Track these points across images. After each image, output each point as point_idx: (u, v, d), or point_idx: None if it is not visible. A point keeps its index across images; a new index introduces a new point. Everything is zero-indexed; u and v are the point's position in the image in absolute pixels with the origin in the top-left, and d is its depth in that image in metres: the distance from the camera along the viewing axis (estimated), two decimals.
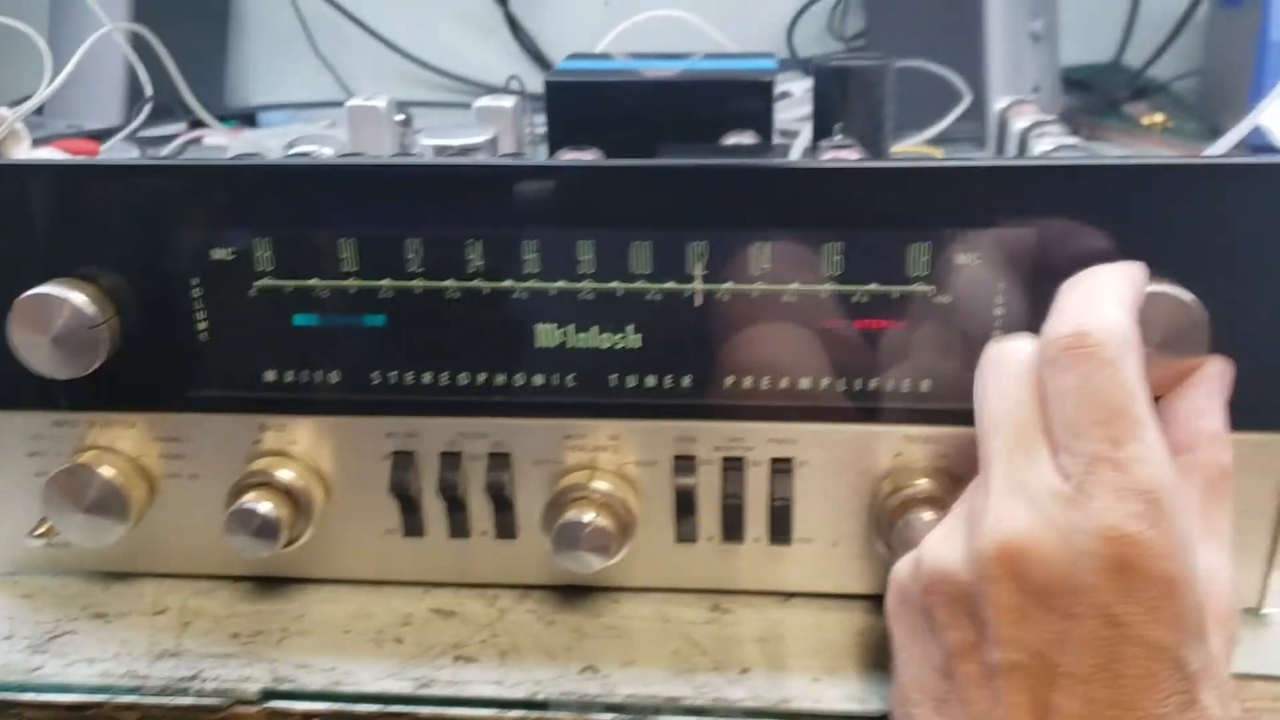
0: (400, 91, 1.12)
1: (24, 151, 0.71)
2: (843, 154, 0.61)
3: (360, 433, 0.58)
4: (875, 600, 0.59)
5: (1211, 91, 1.37)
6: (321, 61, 1.52)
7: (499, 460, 0.58)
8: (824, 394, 0.55)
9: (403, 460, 0.58)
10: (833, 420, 0.56)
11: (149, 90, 1.06)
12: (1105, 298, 0.47)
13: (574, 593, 0.61)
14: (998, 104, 0.85)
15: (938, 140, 0.93)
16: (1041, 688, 0.43)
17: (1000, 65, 1.25)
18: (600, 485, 0.56)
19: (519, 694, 0.54)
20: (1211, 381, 0.50)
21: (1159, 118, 1.27)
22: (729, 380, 0.56)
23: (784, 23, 1.48)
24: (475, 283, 0.55)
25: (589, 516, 0.55)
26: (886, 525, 0.55)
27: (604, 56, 0.89)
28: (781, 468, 0.57)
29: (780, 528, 0.58)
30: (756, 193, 0.53)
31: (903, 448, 0.56)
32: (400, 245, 0.55)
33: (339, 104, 1.48)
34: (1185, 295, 0.50)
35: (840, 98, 0.76)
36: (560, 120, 0.73)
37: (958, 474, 0.55)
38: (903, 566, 0.50)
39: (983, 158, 0.53)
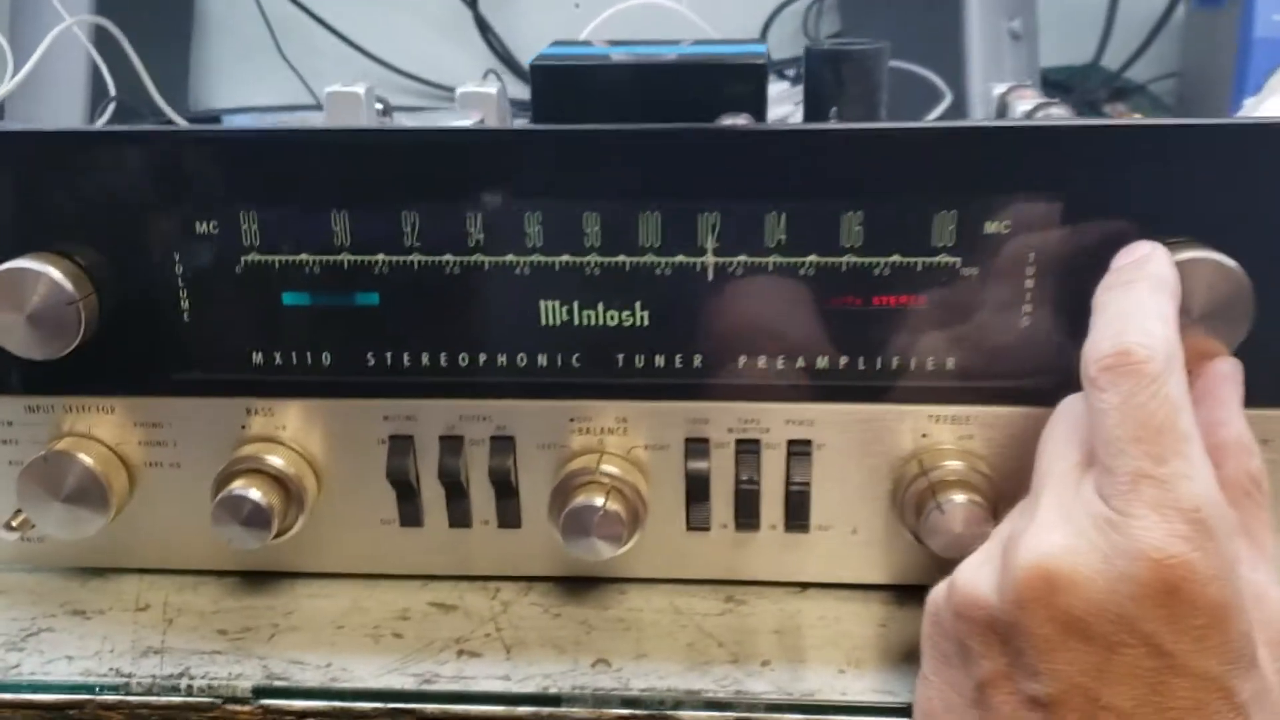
0: None
1: None
2: None
3: (354, 416, 0.55)
4: (896, 591, 0.57)
5: (1189, 92, 1.37)
6: (288, 66, 1.48)
7: (502, 444, 0.55)
8: (844, 372, 0.53)
9: (400, 445, 0.55)
10: (853, 400, 0.53)
11: (112, 90, 1.03)
12: (1144, 312, 0.44)
13: (579, 585, 0.58)
14: (996, 90, 0.83)
15: None
16: None
17: (980, 64, 1.24)
18: (609, 469, 0.53)
19: (529, 689, 0.51)
20: (1224, 387, 0.47)
21: (1138, 119, 1.26)
22: (743, 358, 0.53)
23: (757, 25, 1.45)
24: (475, 257, 0.52)
25: (600, 501, 0.52)
26: (913, 511, 0.53)
27: (587, 44, 0.86)
28: (799, 450, 0.54)
29: (797, 514, 0.55)
30: (772, 159, 0.50)
31: (929, 428, 0.53)
32: (396, 218, 0.52)
33: (305, 108, 1.45)
34: (1228, 261, 0.48)
35: (834, 83, 0.74)
36: (546, 106, 0.70)
37: (986, 455, 0.53)
38: (938, 590, 0.47)
39: (1012, 120, 0.51)
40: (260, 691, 0.51)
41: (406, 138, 0.52)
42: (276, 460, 0.54)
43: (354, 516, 0.57)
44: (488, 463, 0.55)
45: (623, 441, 0.54)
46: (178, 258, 0.53)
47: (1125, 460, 0.41)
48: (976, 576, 0.44)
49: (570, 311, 0.53)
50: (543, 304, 0.53)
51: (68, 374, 0.54)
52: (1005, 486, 0.52)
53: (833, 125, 0.51)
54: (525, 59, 1.47)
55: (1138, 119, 0.48)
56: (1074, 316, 0.47)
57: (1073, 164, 0.49)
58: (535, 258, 0.52)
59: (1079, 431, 0.46)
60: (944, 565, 0.48)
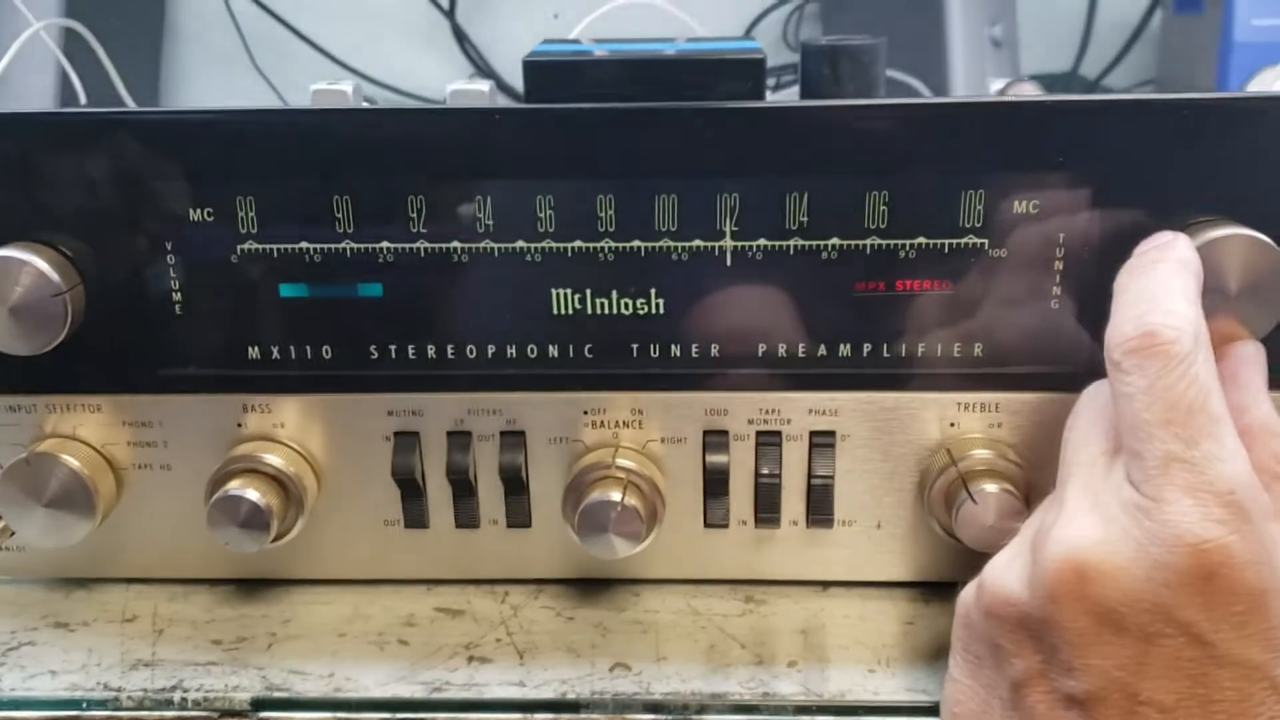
0: None
1: None
2: None
3: (357, 412, 0.52)
4: (921, 588, 0.55)
5: None
6: (260, 76, 1.46)
7: (512, 439, 0.52)
8: (868, 359, 0.51)
9: (405, 441, 0.52)
10: (878, 388, 0.51)
11: (82, 98, 1.00)
12: (1169, 292, 0.42)
13: (591, 587, 0.56)
14: (993, 87, 0.81)
15: None
16: (1123, 719, 0.38)
17: (962, 70, 1.23)
18: (625, 463, 0.51)
19: (546, 694, 0.48)
20: (1247, 370, 0.46)
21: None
22: (763, 346, 0.51)
23: (738, 32, 1.45)
24: (484, 244, 0.50)
25: (617, 496, 0.49)
26: (942, 503, 0.51)
27: (577, 42, 0.84)
28: (822, 442, 0.52)
29: (820, 509, 0.53)
30: (793, 136, 0.48)
31: (956, 416, 0.51)
32: (400, 203, 0.49)
33: None
34: (1263, 237, 0.46)
35: (831, 79, 0.72)
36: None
37: (1015, 443, 0.51)
38: (967, 591, 0.45)
39: (1043, 95, 0.49)
40: (259, 704, 0.49)
41: (412, 117, 0.50)
42: (274, 459, 0.51)
43: (356, 518, 0.54)
44: (497, 459, 0.52)
45: (638, 435, 0.52)
46: (169, 246, 0.50)
47: (1155, 444, 0.39)
48: (1005, 573, 0.42)
49: (583, 300, 0.51)
50: (554, 292, 0.51)
51: (51, 370, 0.51)
52: (1035, 476, 0.50)
53: (859, 101, 0.49)
54: (503, 69, 1.45)
55: (1173, 94, 0.47)
56: (1104, 299, 0.45)
57: (1104, 141, 0.47)
58: (546, 244, 0.50)
59: (1104, 419, 0.44)
60: (972, 560, 0.46)
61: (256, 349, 0.52)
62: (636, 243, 0.50)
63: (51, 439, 0.52)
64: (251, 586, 0.56)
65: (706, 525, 0.54)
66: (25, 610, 0.55)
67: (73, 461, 0.51)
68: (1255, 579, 0.37)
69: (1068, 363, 0.50)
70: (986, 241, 0.49)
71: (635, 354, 0.51)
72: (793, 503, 0.53)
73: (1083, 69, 1.41)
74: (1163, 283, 0.43)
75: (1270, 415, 0.44)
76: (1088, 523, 0.40)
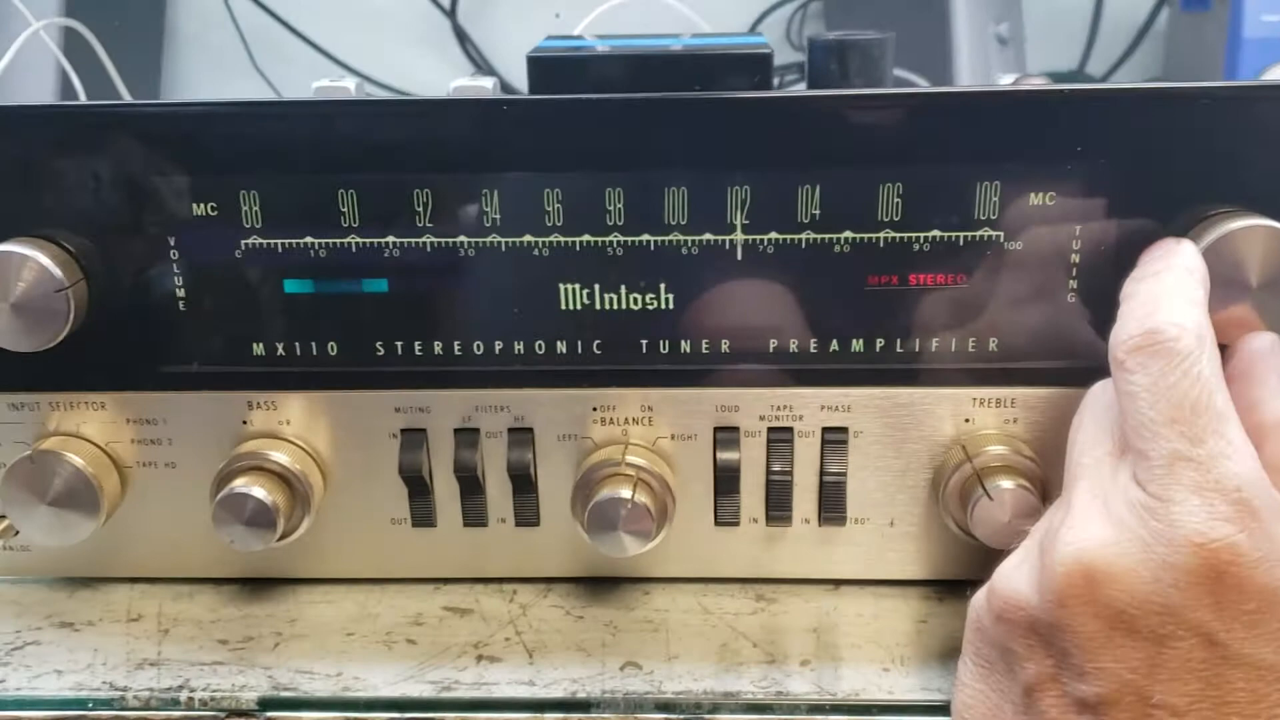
0: None
1: None
2: None
3: (363, 409, 0.52)
4: (934, 586, 0.54)
5: None
6: (261, 77, 1.45)
7: (520, 436, 0.52)
8: (881, 354, 0.50)
9: (412, 439, 0.52)
10: (891, 383, 0.51)
11: (83, 98, 1.00)
12: (1172, 296, 0.42)
13: (600, 585, 0.55)
14: (1002, 82, 0.81)
15: None
16: None
17: (968, 69, 1.23)
18: (635, 460, 0.50)
19: (557, 694, 0.48)
20: (1261, 365, 0.45)
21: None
22: (774, 342, 0.50)
23: (742, 31, 1.44)
24: (490, 238, 0.49)
25: (627, 493, 0.49)
26: (957, 500, 0.50)
27: (580, 38, 0.84)
28: (834, 438, 0.51)
29: (832, 506, 0.52)
30: (807, 127, 0.48)
31: (971, 412, 0.51)
32: (406, 197, 0.49)
33: None
34: None
35: (840, 74, 0.72)
36: None
37: (1030, 439, 0.50)
38: (979, 595, 0.44)
39: (1060, 85, 0.49)
40: (267, 703, 0.48)
41: (418, 108, 0.49)
42: (280, 457, 0.51)
43: (362, 516, 0.54)
44: (505, 456, 0.52)
45: (647, 432, 0.52)
46: (173, 242, 0.50)
47: (1160, 443, 0.39)
48: (1015, 577, 0.42)
49: (591, 294, 0.50)
50: (562, 287, 0.50)
51: (55, 367, 0.50)
52: (1051, 472, 0.50)
53: (872, 90, 0.48)
54: (504, 69, 1.44)
55: (1193, 84, 0.46)
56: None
57: (1122, 131, 0.46)
58: (554, 238, 0.49)
59: (1110, 419, 0.44)
60: (986, 558, 0.46)
61: (261, 345, 0.51)
62: (646, 236, 0.49)
63: (55, 437, 0.52)
64: (257, 585, 0.56)
65: (717, 523, 0.53)
66: (29, 610, 0.54)
67: (76, 459, 0.51)
68: (1266, 577, 0.37)
69: (1084, 357, 0.49)
70: (1002, 234, 0.48)
71: (645, 349, 0.51)
72: (804, 500, 0.52)
73: (1089, 67, 1.40)
74: (1166, 287, 0.43)
75: None
76: (1095, 525, 0.40)
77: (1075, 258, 0.48)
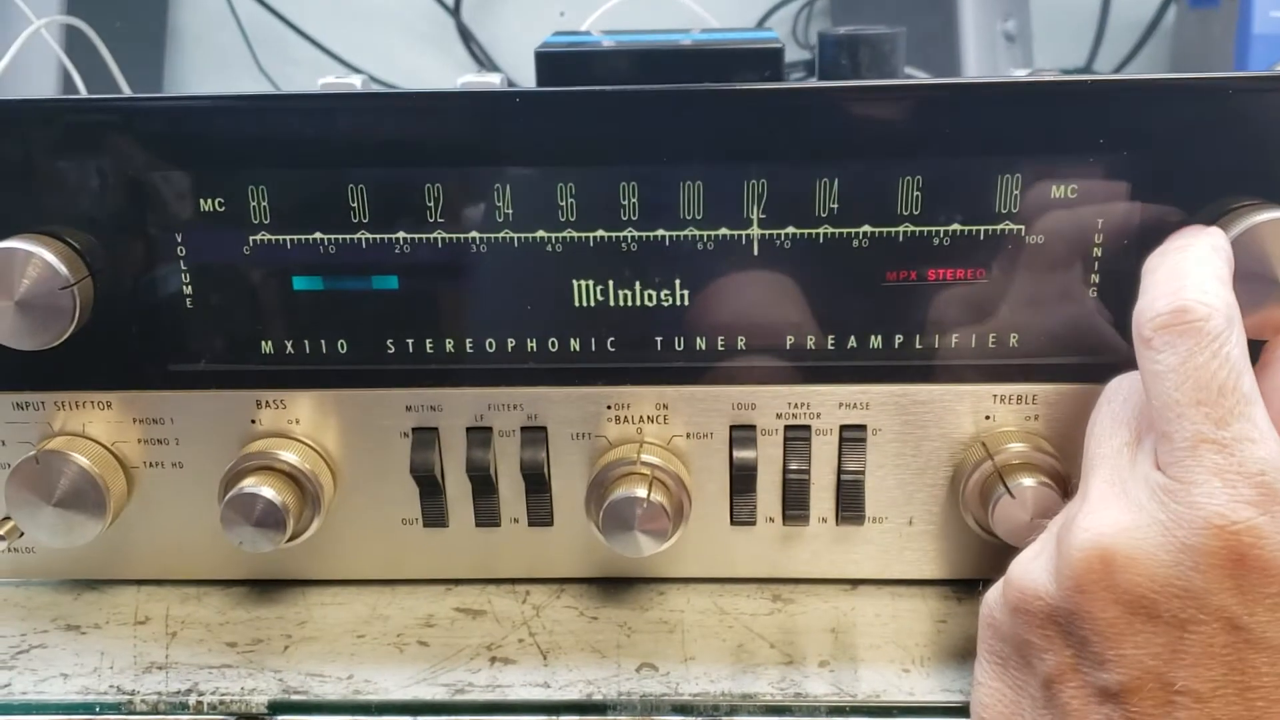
0: None
1: None
2: None
3: (374, 407, 0.51)
4: (952, 585, 0.53)
5: None
6: (264, 76, 1.44)
7: (533, 434, 0.51)
8: (900, 351, 0.49)
9: (424, 437, 0.51)
10: (910, 380, 0.50)
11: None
12: (1202, 272, 0.41)
13: (614, 586, 0.54)
14: (1018, 74, 0.80)
15: None
16: (1159, 709, 0.37)
17: (975, 66, 1.22)
18: (650, 459, 0.49)
19: (572, 696, 0.47)
20: None
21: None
22: (791, 339, 0.50)
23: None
24: (503, 234, 0.48)
25: (643, 492, 0.48)
26: (977, 498, 0.49)
27: (588, 34, 0.83)
28: (853, 436, 0.51)
29: (850, 505, 0.51)
30: (822, 121, 0.47)
31: (992, 409, 0.50)
32: (416, 192, 0.48)
33: None
34: None
35: (850, 68, 0.71)
36: None
37: (1051, 436, 0.50)
38: (992, 592, 0.44)
39: (1081, 75, 0.48)
40: (277, 707, 0.47)
41: (428, 101, 0.48)
42: (289, 456, 0.50)
43: (373, 517, 0.53)
44: (518, 455, 0.51)
45: (662, 430, 0.51)
46: (180, 238, 0.49)
47: (1185, 424, 0.38)
48: (1032, 568, 0.41)
49: (605, 290, 0.49)
50: (575, 283, 0.49)
51: (60, 366, 0.50)
52: (1073, 469, 0.49)
53: (891, 82, 0.47)
54: (510, 68, 1.43)
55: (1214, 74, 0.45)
56: None
57: (1145, 122, 0.46)
58: (567, 233, 0.48)
59: (1128, 410, 0.43)
60: (1005, 557, 0.44)
61: (270, 343, 0.50)
62: (661, 231, 0.48)
63: (60, 437, 0.51)
64: (266, 587, 0.55)
65: (733, 522, 0.52)
66: (35, 613, 0.54)
67: (82, 460, 0.50)
68: None
69: (1106, 353, 0.48)
70: (1023, 228, 0.47)
71: (659, 347, 0.50)
72: (822, 499, 0.52)
73: (1096, 64, 1.39)
74: (1196, 263, 0.42)
75: None
76: (1113, 511, 0.39)
77: (1097, 251, 0.48)
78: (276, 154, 0.48)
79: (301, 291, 0.50)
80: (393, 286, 0.50)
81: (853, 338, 0.49)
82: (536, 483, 0.51)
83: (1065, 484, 0.49)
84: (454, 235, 0.48)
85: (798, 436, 0.51)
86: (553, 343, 0.50)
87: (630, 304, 0.49)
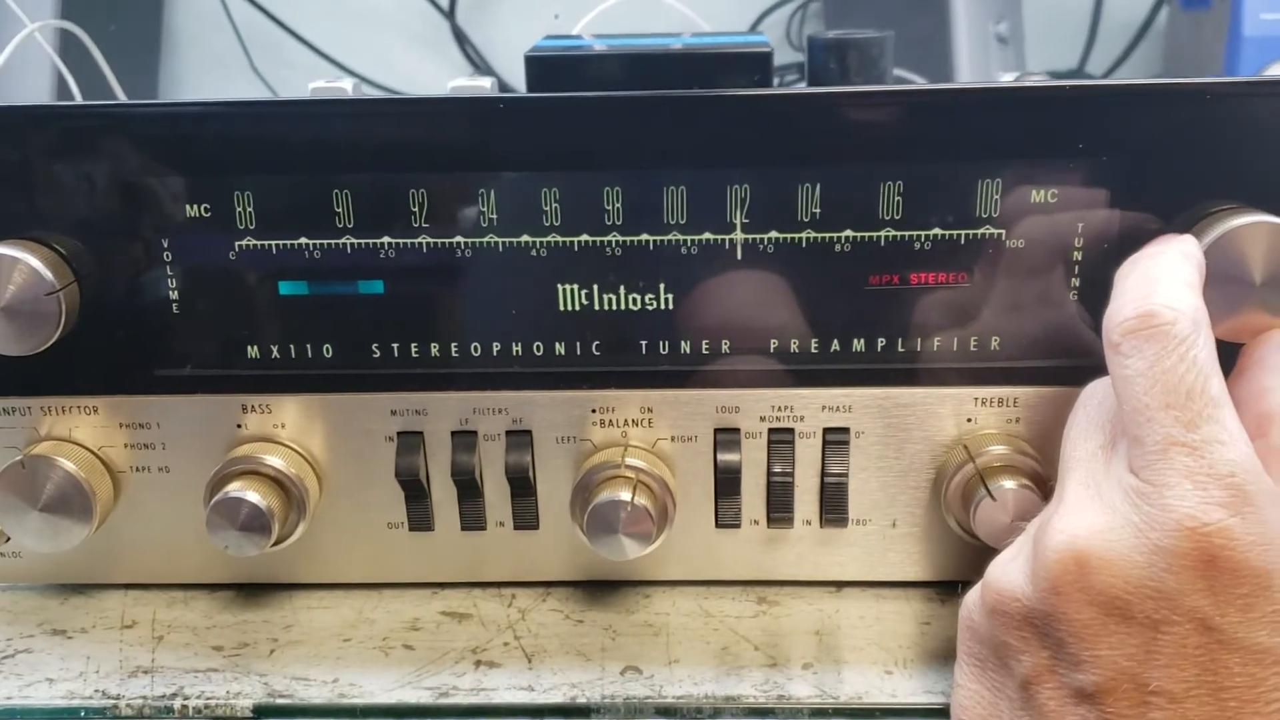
0: None
1: None
2: None
3: (359, 412, 0.51)
4: (936, 587, 0.54)
5: None
6: (259, 78, 1.45)
7: (518, 438, 0.51)
8: (882, 354, 0.50)
9: (409, 442, 0.51)
10: (893, 384, 0.50)
11: (79, 101, 0.99)
12: (1169, 278, 0.42)
13: (599, 589, 0.54)
14: (1004, 78, 0.80)
15: None
16: (1134, 710, 0.37)
17: (968, 68, 1.23)
18: (635, 462, 0.50)
19: (556, 699, 0.47)
20: (1274, 354, 0.45)
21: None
22: (774, 342, 0.50)
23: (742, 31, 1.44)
24: (488, 238, 0.49)
25: (626, 495, 0.48)
26: (958, 500, 0.50)
27: (579, 38, 0.83)
28: (836, 439, 0.51)
29: (834, 508, 0.52)
30: (805, 126, 0.47)
31: (973, 412, 0.50)
32: (402, 197, 0.48)
33: None
34: None
35: (839, 72, 0.71)
36: None
37: (1032, 439, 0.50)
38: (970, 595, 0.44)
39: (1060, 81, 0.48)
40: (262, 710, 0.47)
41: (413, 107, 0.49)
42: (275, 461, 0.50)
43: (358, 520, 0.53)
44: (503, 459, 0.51)
45: (647, 434, 0.51)
46: (166, 244, 0.49)
47: (1155, 428, 0.39)
48: (1009, 570, 0.42)
49: (590, 295, 0.49)
50: (560, 287, 0.49)
51: (46, 371, 0.50)
52: (1054, 472, 0.49)
53: (872, 88, 0.48)
54: (504, 70, 1.44)
55: (1199, 79, 0.45)
56: None
57: (1124, 127, 0.46)
58: (552, 238, 0.49)
59: (1103, 414, 0.44)
60: (987, 559, 0.45)
61: (256, 348, 0.51)
62: (645, 236, 0.49)
63: (47, 441, 0.51)
64: (252, 591, 0.55)
65: (718, 525, 0.52)
66: (21, 617, 0.54)
67: (69, 464, 0.50)
68: (1259, 560, 0.37)
69: (1086, 356, 0.49)
70: (1004, 232, 0.48)
71: (644, 350, 0.50)
72: (806, 502, 0.52)
73: (1089, 66, 1.40)
74: (1164, 270, 0.42)
75: None
76: (1088, 513, 0.40)
77: (1077, 255, 0.48)
78: (262, 159, 0.48)
79: (287, 296, 0.50)
80: (378, 291, 0.50)
81: (835, 341, 0.50)
82: (522, 486, 0.51)
83: (1046, 486, 0.49)
84: (439, 240, 0.49)
85: (781, 439, 0.51)
86: (538, 347, 0.50)
87: (615, 308, 0.50)
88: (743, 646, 0.50)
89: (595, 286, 0.49)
